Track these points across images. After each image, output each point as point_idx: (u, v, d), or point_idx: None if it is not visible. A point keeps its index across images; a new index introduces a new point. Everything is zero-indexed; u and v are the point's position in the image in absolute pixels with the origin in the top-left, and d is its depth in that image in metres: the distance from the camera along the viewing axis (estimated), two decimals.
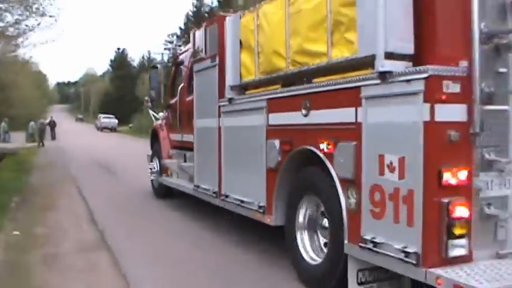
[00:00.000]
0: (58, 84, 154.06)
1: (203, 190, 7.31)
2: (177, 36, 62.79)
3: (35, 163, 20.07)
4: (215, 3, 50.23)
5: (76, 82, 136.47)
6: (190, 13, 57.95)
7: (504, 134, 3.65)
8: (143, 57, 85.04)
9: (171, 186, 9.50)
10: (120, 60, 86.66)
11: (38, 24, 16.57)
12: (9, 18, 16.38)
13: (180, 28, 55.85)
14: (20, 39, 18.10)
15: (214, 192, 6.87)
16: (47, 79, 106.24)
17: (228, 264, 5.73)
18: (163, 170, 9.94)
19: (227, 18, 6.46)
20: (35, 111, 54.55)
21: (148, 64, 73.95)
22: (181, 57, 9.62)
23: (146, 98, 11.12)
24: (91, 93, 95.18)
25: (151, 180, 10.81)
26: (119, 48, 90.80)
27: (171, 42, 64.29)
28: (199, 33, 7.46)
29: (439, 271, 3.33)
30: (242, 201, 6.04)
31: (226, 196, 6.48)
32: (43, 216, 8.62)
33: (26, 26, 16.68)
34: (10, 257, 6.08)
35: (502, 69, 3.61)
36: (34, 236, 7.18)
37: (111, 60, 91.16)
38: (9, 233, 7.29)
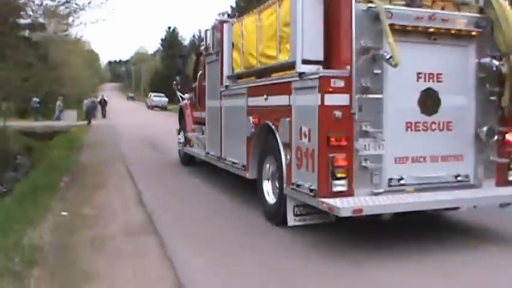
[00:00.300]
0: (109, 62, 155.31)
1: (211, 156, 9.41)
2: (228, 15, 62.18)
3: (85, 141, 20.54)
4: None
5: (127, 61, 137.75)
6: None
7: (378, 113, 5.50)
8: (194, 36, 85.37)
9: (192, 155, 11.69)
10: (170, 39, 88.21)
11: (89, 3, 16.27)
12: None
13: (231, 7, 54.08)
14: (70, 18, 17.55)
15: (218, 157, 8.96)
16: (99, 58, 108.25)
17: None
18: (187, 141, 12.08)
19: (224, 24, 8.47)
20: (86, 89, 55.37)
21: (198, 43, 74.57)
22: (201, 48, 11.63)
23: (174, 81, 13.27)
24: (142, 71, 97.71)
25: (178, 150, 13.02)
26: (169, 27, 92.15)
27: None
28: (209, 33, 9.46)
29: (325, 200, 5.27)
30: (234, 163, 8.11)
31: (225, 159, 8.56)
32: (91, 197, 8.72)
33: (77, 4, 16.26)
34: (58, 238, 6.12)
35: (377, 71, 5.44)
36: (82, 217, 7.19)
37: (161, 39, 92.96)
38: (58, 213, 7.36)
